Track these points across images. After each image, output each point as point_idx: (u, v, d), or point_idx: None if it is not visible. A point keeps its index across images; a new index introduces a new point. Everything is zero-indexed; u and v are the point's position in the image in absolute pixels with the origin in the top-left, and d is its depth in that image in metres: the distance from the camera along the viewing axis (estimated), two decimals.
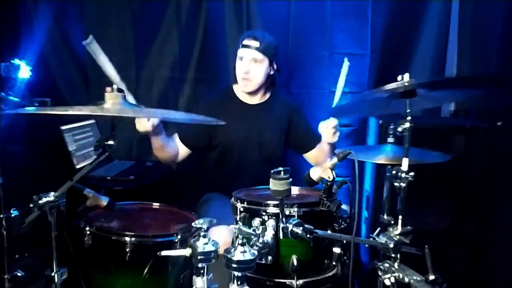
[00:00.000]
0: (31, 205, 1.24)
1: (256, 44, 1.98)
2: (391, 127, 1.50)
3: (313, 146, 2.14)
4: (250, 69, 2.00)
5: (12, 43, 2.38)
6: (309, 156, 2.18)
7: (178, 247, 1.47)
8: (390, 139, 1.56)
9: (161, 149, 1.95)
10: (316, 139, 2.14)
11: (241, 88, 2.07)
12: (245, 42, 2.00)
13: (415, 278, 1.24)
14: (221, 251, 1.25)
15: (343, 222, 1.49)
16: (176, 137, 2.08)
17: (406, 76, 1.29)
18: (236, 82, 2.11)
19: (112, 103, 1.21)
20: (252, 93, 2.09)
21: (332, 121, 1.87)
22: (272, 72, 2.07)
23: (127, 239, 1.47)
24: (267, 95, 2.16)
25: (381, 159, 1.48)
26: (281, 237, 1.27)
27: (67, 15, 2.52)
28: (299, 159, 2.51)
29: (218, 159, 2.12)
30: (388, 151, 1.53)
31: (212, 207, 1.96)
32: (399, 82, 1.27)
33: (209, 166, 2.16)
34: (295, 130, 2.17)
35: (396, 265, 1.29)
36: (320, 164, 2.11)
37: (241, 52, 2.01)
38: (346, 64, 1.87)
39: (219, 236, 1.53)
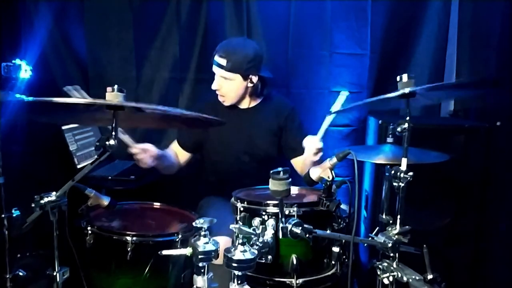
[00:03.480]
0: (32, 205, 1.25)
1: (223, 62, 1.91)
2: (390, 127, 1.50)
3: (300, 153, 2.00)
4: (222, 86, 1.96)
5: (13, 43, 2.38)
6: (295, 162, 2.10)
7: (179, 246, 1.48)
8: (390, 139, 1.57)
9: (161, 166, 2.00)
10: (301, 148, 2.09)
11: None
12: (215, 58, 1.94)
13: (413, 277, 1.25)
14: (219, 261, 1.25)
15: (342, 222, 1.50)
16: (174, 144, 2.12)
17: (405, 77, 1.30)
18: None
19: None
20: (237, 102, 2.05)
21: (317, 143, 1.78)
22: (250, 85, 2.00)
23: (128, 238, 1.47)
24: (258, 100, 2.11)
25: (380, 159, 1.49)
26: (280, 236, 1.28)
27: (67, 15, 2.52)
28: None
29: (212, 163, 2.14)
30: (387, 151, 1.54)
31: (210, 213, 1.95)
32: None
33: (206, 169, 2.18)
34: (285, 135, 2.10)
35: (394, 264, 1.30)
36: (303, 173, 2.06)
37: (213, 67, 1.97)
38: (344, 95, 1.81)
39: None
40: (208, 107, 2.05)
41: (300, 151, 1.96)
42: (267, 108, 2.11)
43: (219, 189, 2.07)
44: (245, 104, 2.10)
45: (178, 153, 2.13)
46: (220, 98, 2.02)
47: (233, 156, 2.07)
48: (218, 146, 2.08)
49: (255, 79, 2.00)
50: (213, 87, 1.98)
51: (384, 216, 1.37)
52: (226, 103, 2.03)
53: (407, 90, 1.25)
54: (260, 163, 2.07)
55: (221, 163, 2.11)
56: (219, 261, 1.26)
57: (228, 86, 1.97)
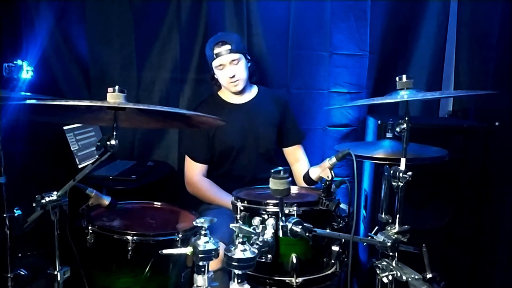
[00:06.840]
0: (34, 205, 1.25)
1: (228, 47, 2.00)
2: (390, 122, 1.51)
3: (294, 142, 2.23)
4: (234, 70, 2.03)
5: (14, 44, 2.39)
6: (287, 151, 2.25)
7: (179, 245, 1.49)
8: (389, 134, 1.57)
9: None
10: (298, 135, 2.26)
11: (232, 89, 2.09)
12: (217, 50, 2.01)
13: (413, 276, 1.26)
14: (212, 267, 1.25)
15: (341, 221, 1.51)
16: (196, 169, 2.11)
17: (404, 77, 1.31)
18: (218, 90, 2.17)
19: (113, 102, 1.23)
20: (240, 92, 2.11)
21: (329, 175, 1.61)
22: (249, 64, 2.12)
23: (129, 237, 1.48)
24: (254, 92, 2.19)
25: (379, 154, 1.49)
26: (280, 235, 1.28)
27: (68, 16, 2.52)
28: None
29: (216, 163, 2.14)
30: (387, 146, 1.55)
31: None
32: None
33: (208, 171, 2.16)
34: (284, 124, 2.22)
35: (394, 263, 1.30)
36: (292, 164, 2.18)
37: (218, 61, 2.02)
38: None
39: None
40: (207, 108, 2.10)
41: (294, 138, 2.24)
42: (264, 99, 2.19)
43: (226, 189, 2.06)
44: (244, 98, 2.16)
45: (194, 168, 2.11)
46: (234, 84, 2.06)
47: (240, 151, 2.10)
48: (226, 143, 2.09)
49: (249, 59, 2.12)
50: (229, 74, 2.02)
51: (383, 216, 1.38)
52: (239, 87, 2.08)
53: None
54: (263, 156, 2.14)
55: (227, 161, 2.12)
56: (214, 266, 1.27)
57: (239, 68, 2.04)
